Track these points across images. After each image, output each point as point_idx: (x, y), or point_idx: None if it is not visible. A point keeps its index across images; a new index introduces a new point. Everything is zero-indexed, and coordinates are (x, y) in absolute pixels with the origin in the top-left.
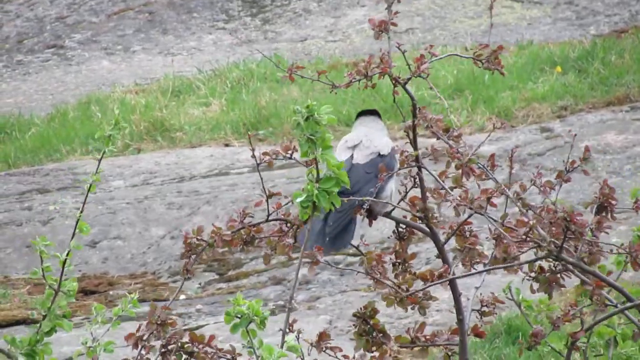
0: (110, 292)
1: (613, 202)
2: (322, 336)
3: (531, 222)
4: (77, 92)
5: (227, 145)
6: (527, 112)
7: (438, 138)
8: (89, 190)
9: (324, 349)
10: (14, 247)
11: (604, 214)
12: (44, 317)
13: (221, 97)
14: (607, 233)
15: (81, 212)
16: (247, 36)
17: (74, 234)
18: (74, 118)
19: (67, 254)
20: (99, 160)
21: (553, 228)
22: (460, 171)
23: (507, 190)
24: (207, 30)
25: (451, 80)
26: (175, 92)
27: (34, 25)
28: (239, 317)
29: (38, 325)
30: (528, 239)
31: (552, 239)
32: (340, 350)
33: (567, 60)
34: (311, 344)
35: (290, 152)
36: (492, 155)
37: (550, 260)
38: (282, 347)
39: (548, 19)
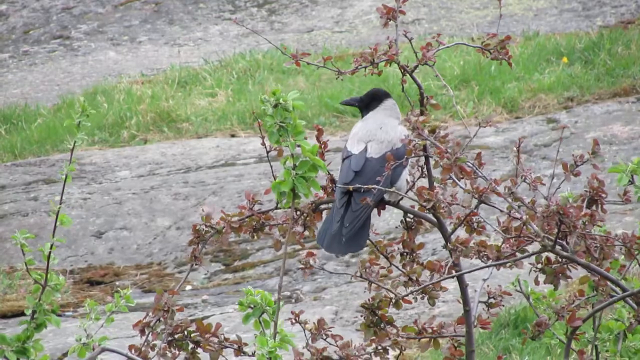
0: (116, 283)
1: (603, 195)
2: (321, 323)
3: (524, 218)
4: (83, 83)
5: (233, 135)
6: (533, 103)
7: (425, 139)
8: (65, 181)
9: (323, 336)
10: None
11: (594, 207)
12: (33, 312)
13: (227, 88)
14: (599, 226)
15: (60, 203)
16: (254, 27)
17: (55, 228)
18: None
19: (51, 247)
20: (72, 150)
21: (546, 224)
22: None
23: (497, 188)
24: (213, 21)
25: (457, 71)
26: (182, 83)
27: (40, 15)
28: (252, 307)
29: (28, 321)
30: (522, 234)
31: (546, 234)
32: (341, 338)
33: (574, 51)
34: (310, 331)
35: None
36: (479, 154)
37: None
38: (274, 338)
39: (554, 9)
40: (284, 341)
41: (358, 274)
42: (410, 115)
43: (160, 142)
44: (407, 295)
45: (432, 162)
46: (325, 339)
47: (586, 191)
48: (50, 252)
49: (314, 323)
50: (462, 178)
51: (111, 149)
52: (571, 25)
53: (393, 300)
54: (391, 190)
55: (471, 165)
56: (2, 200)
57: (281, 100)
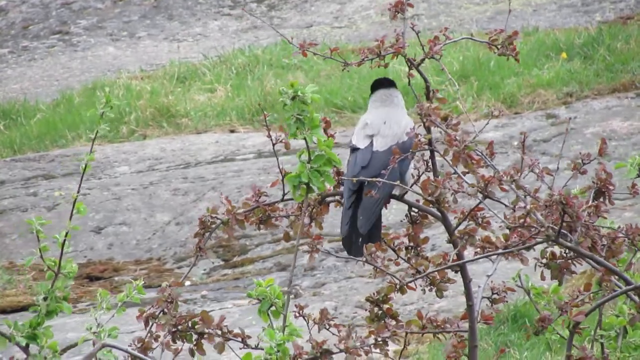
0: (116, 278)
1: (611, 187)
2: (324, 313)
3: (528, 207)
4: (83, 78)
5: (232, 131)
6: (532, 98)
7: (437, 125)
8: (84, 170)
9: (326, 326)
10: (20, 233)
11: (601, 199)
12: (45, 299)
13: (226, 83)
14: (605, 217)
15: (78, 191)
16: (253, 22)
17: (71, 215)
18: (80, 104)
19: (66, 235)
20: (93, 140)
21: (548, 211)
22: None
23: (504, 177)
24: (212, 17)
25: (457, 66)
26: (181, 78)
27: (40, 11)
28: (261, 300)
29: (38, 308)
30: (526, 224)
31: (551, 225)
32: (344, 326)
33: (573, 47)
34: (313, 321)
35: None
36: (491, 143)
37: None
38: (283, 331)
39: (553, 5)
40: (292, 334)
41: (364, 260)
42: (424, 102)
43: (159, 138)
44: (411, 282)
45: (436, 156)
46: (327, 329)
47: (594, 183)
48: (65, 240)
49: (319, 313)
50: (468, 172)
51: (110, 144)
52: (570, 21)
53: (397, 286)
54: (397, 183)
55: (480, 154)
56: (2, 195)
57: (299, 93)
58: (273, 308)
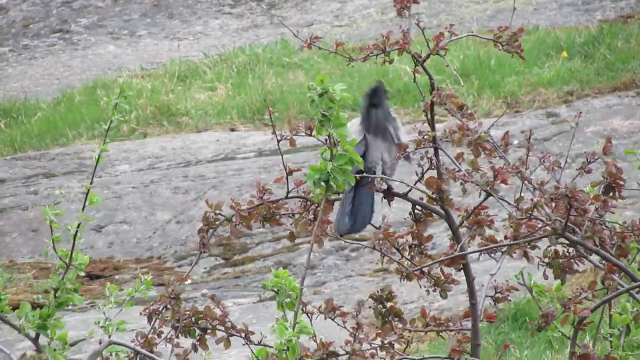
0: (116, 277)
1: (620, 182)
2: (329, 304)
3: (535, 200)
4: (83, 77)
5: (233, 130)
6: (533, 97)
7: (452, 115)
8: (97, 161)
9: (332, 316)
10: (20, 232)
11: (611, 194)
12: (55, 290)
13: (227, 82)
14: (612, 213)
15: (91, 182)
16: (253, 21)
17: (84, 205)
18: (80, 102)
19: (78, 226)
20: (107, 130)
21: (554, 204)
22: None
23: (511, 167)
24: (213, 15)
25: (457, 64)
26: (182, 77)
27: (40, 9)
28: (276, 291)
29: (49, 299)
30: (532, 217)
31: (558, 218)
32: (349, 314)
33: (573, 46)
34: (319, 310)
35: (310, 130)
36: (507, 133)
37: (558, 241)
38: (293, 327)
39: (554, 4)
40: (302, 331)
41: (372, 246)
42: (441, 88)
43: (160, 136)
44: (418, 269)
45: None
46: (333, 319)
47: (604, 177)
48: (77, 231)
49: (325, 303)
50: (473, 170)
51: (111, 142)
52: (571, 20)
53: (404, 274)
54: (397, 180)
55: (493, 144)
56: (2, 194)
57: (330, 90)
58: (288, 300)
